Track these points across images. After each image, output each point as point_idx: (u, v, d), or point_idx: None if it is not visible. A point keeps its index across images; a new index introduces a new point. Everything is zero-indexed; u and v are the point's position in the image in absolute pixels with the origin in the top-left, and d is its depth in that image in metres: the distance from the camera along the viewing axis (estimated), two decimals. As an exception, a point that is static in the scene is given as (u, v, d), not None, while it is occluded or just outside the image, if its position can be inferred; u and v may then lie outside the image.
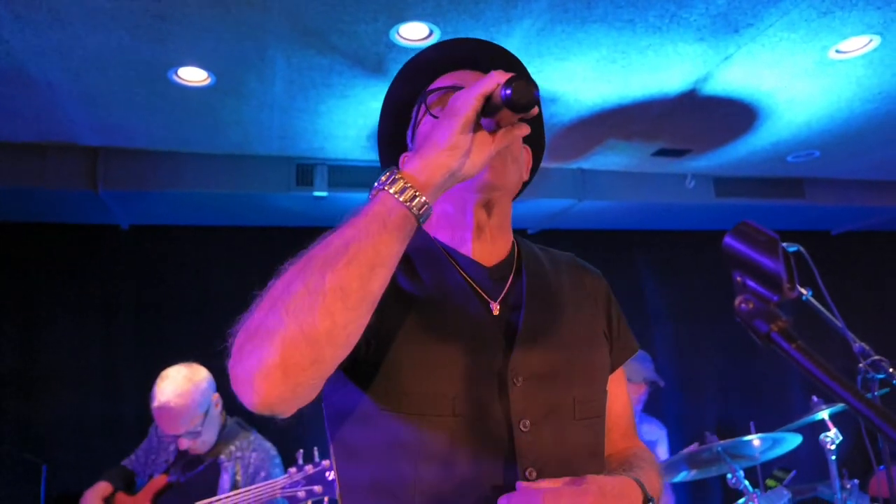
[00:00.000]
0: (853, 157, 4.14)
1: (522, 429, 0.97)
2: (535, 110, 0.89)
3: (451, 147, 0.87)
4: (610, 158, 4.02)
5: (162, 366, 2.61)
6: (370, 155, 3.74)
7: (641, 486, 1.00)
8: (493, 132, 0.91)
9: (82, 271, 4.10)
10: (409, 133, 1.15)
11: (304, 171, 3.72)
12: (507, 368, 0.99)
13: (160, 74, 2.67)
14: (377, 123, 1.19)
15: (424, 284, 1.05)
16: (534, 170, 1.22)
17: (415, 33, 2.43)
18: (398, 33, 2.43)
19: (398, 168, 0.88)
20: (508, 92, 0.85)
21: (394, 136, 1.18)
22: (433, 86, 1.10)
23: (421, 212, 0.86)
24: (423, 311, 1.02)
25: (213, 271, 4.27)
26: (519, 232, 1.21)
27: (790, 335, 0.63)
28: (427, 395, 0.96)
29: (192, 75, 2.69)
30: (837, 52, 2.72)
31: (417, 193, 0.85)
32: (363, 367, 0.97)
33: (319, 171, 3.73)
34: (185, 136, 3.36)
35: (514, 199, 1.16)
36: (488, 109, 0.88)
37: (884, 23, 2.51)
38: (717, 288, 5.09)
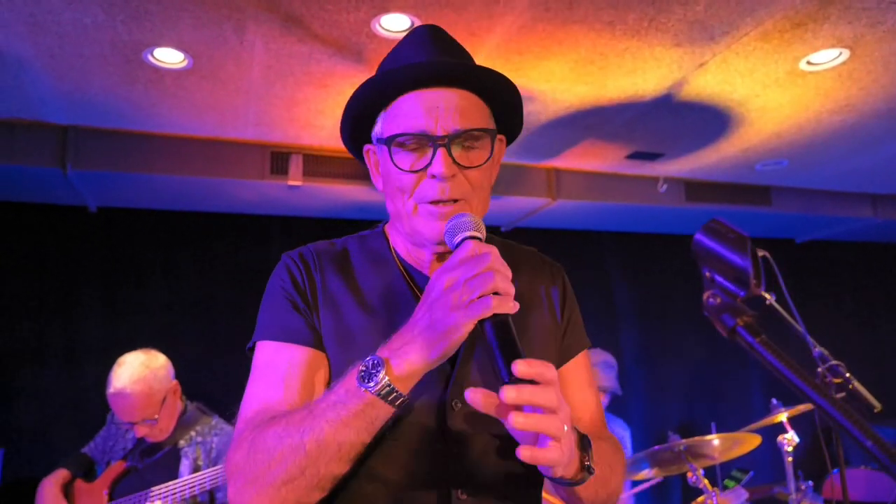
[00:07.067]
0: (819, 167, 4.25)
1: (460, 496, 1.01)
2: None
3: (438, 360, 0.90)
4: (584, 159, 4.06)
5: (126, 351, 2.57)
6: (346, 146, 3.72)
7: (586, 445, 0.96)
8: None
9: (47, 252, 4.02)
10: (372, 135, 1.12)
11: (279, 160, 3.68)
12: (446, 444, 1.02)
13: (135, 55, 2.62)
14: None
15: (378, 316, 1.08)
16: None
17: (397, 25, 2.43)
18: (380, 24, 2.42)
19: (384, 363, 0.90)
20: (497, 347, 0.86)
21: (358, 126, 1.14)
22: (398, 128, 1.04)
23: (402, 405, 0.92)
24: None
25: (181, 257, 4.22)
26: (492, 230, 1.18)
27: (756, 329, 0.66)
28: (360, 489, 1.01)
29: (169, 57, 2.64)
30: (808, 63, 2.79)
31: (402, 395, 0.91)
32: None
33: (294, 160, 3.69)
34: (158, 118, 3.30)
35: None
36: None
37: (854, 37, 2.57)
38: (683, 291, 5.18)
